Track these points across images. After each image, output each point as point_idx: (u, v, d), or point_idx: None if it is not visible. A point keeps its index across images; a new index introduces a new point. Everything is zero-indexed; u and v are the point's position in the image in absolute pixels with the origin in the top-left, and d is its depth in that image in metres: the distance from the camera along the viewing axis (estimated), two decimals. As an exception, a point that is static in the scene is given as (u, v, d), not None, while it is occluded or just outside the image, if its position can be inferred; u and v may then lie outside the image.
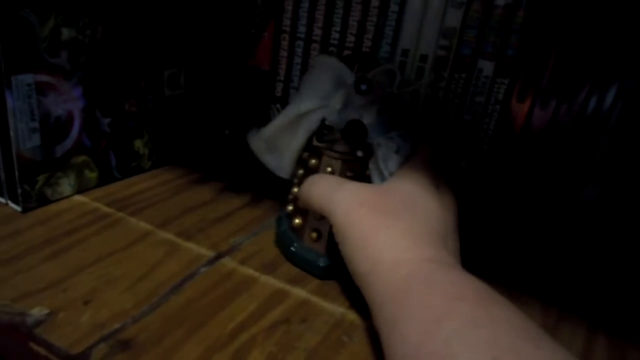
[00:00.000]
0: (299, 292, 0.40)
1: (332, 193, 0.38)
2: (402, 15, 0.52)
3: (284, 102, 0.60)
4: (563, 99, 0.47)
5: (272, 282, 0.41)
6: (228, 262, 0.43)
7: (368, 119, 0.41)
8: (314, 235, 0.42)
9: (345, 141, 0.41)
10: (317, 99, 0.42)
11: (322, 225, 0.42)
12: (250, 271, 0.42)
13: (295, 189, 0.45)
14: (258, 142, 0.47)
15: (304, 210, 0.43)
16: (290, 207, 0.45)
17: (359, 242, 0.34)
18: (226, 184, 0.56)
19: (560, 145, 0.48)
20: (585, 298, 0.45)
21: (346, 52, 0.55)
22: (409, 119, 0.46)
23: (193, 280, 0.40)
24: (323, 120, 0.42)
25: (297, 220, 0.43)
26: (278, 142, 0.46)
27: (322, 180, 0.40)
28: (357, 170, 0.42)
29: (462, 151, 0.52)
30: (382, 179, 0.40)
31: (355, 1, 0.53)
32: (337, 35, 0.55)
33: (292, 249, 0.43)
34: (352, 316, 0.39)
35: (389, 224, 0.34)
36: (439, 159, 0.43)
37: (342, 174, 0.42)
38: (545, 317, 0.42)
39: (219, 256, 0.43)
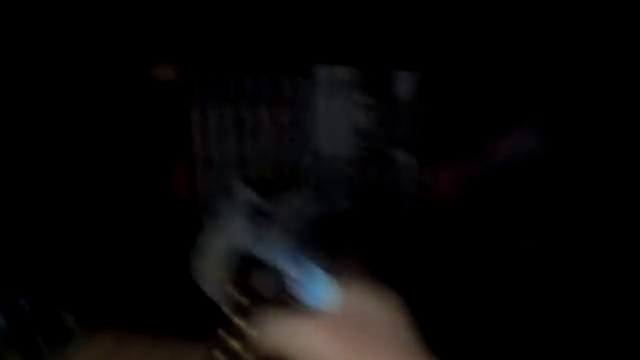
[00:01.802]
0: None
1: (294, 337, 0.36)
2: (316, 124, 0.54)
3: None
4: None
5: None
6: None
7: (279, 249, 0.41)
8: None
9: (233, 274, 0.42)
10: (228, 234, 0.41)
11: None
12: None
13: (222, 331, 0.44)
14: (196, 274, 0.46)
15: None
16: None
17: None
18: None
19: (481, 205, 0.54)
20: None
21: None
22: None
23: None
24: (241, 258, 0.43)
25: None
26: (209, 275, 0.45)
27: (281, 324, 0.37)
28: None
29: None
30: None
31: (263, 120, 0.55)
32: (254, 155, 0.56)
33: None
34: None
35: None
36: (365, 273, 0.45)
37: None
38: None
39: None
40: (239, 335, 0.44)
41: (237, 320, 0.43)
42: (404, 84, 0.51)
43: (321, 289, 0.40)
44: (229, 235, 0.43)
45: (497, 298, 0.55)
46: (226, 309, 0.45)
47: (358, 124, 0.53)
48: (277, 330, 0.39)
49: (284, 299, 0.42)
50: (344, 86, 0.52)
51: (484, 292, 0.56)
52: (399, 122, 0.52)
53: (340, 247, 0.46)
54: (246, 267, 0.41)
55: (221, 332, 0.45)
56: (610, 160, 0.50)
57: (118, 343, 0.52)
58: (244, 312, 0.43)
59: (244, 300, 0.42)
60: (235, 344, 0.43)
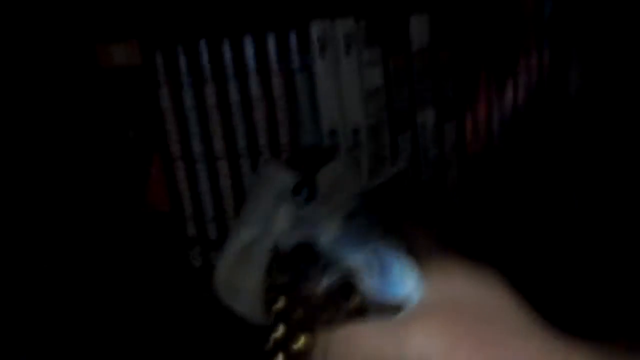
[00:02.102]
0: None
1: (396, 350, 0.26)
2: (315, 93, 0.44)
3: (204, 242, 0.48)
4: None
5: None
6: None
7: (331, 231, 0.30)
8: None
9: (291, 281, 0.30)
10: (256, 224, 0.31)
11: None
12: None
13: (280, 358, 0.32)
14: (217, 287, 0.35)
15: None
16: None
17: None
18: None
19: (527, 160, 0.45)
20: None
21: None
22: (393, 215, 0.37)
23: None
24: (277, 249, 0.31)
25: None
26: (236, 284, 0.34)
27: (362, 337, 0.28)
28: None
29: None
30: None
31: (255, 99, 0.44)
32: (244, 143, 0.46)
33: None
34: None
35: (502, 357, 0.25)
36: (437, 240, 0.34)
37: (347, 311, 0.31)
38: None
39: None
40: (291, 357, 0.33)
41: (289, 342, 0.33)
42: (415, 33, 0.43)
43: (399, 276, 0.30)
44: (263, 229, 0.31)
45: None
46: (269, 328, 0.34)
47: (367, 85, 0.43)
48: (354, 343, 0.29)
49: (351, 301, 0.32)
50: (346, 42, 0.43)
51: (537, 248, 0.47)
52: (415, 76, 0.43)
53: (401, 220, 0.36)
54: (291, 265, 0.30)
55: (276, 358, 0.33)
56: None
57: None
58: (297, 327, 0.33)
59: (295, 312, 0.32)
60: None
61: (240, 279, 0.33)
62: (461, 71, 0.43)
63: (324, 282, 0.30)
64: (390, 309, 0.29)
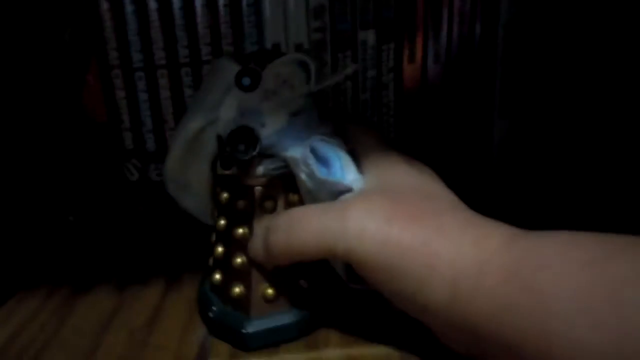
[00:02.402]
0: (329, 353, 0.31)
1: (337, 225, 0.28)
2: (260, 6, 0.44)
3: (142, 154, 0.47)
4: (446, 44, 0.47)
5: (293, 357, 0.31)
6: (218, 364, 0.30)
7: (274, 124, 0.31)
8: (270, 292, 0.31)
9: (223, 161, 0.32)
10: (205, 113, 0.32)
11: (277, 275, 0.32)
12: (253, 360, 0.30)
13: (220, 249, 0.33)
14: (166, 184, 0.35)
15: (241, 271, 0.32)
16: (217, 276, 0.33)
17: (418, 268, 0.26)
18: (117, 279, 0.41)
19: (459, 90, 0.48)
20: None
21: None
22: (335, 116, 0.38)
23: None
24: (221, 138, 0.32)
25: (237, 290, 0.32)
26: (185, 179, 0.35)
27: (308, 213, 0.30)
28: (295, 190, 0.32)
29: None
30: (322, 192, 0.31)
31: (199, 4, 0.44)
32: (186, 52, 0.45)
33: (246, 330, 0.31)
34: None
35: (435, 226, 0.27)
36: (377, 136, 0.35)
37: (286, 202, 0.32)
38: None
39: (200, 363, 0.31)
40: (238, 248, 0.32)
41: (234, 229, 0.32)
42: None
43: (337, 168, 0.29)
44: (210, 118, 0.32)
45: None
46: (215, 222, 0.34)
47: (312, 3, 0.44)
48: (299, 224, 0.29)
49: (285, 190, 0.32)
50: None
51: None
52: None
53: (345, 119, 0.37)
54: (231, 147, 0.29)
55: (217, 247, 0.33)
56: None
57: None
58: (239, 219, 0.32)
59: (237, 204, 0.31)
60: (237, 264, 0.32)
61: (188, 174, 0.34)
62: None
63: (263, 170, 0.31)
64: (331, 197, 0.31)
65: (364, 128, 0.35)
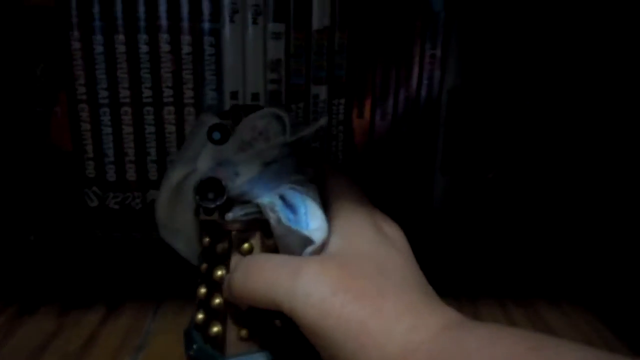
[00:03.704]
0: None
1: (287, 282, 0.29)
2: (221, 56, 0.48)
3: (102, 183, 0.50)
4: (395, 103, 0.50)
5: (201, 397, 0.33)
6: (133, 398, 0.33)
7: (248, 173, 0.34)
8: (244, 332, 0.34)
9: (203, 210, 0.34)
10: (186, 164, 0.35)
11: (250, 316, 0.34)
12: (167, 397, 0.33)
13: (202, 290, 0.36)
14: (159, 229, 0.38)
15: (219, 311, 0.34)
16: (200, 316, 0.36)
17: (350, 343, 0.27)
18: (62, 302, 0.44)
19: (404, 146, 0.51)
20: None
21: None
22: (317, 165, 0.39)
23: None
24: (195, 185, 0.34)
25: (215, 329, 0.34)
26: (175, 224, 0.37)
27: (266, 263, 0.32)
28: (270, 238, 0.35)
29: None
30: (294, 241, 0.33)
31: (163, 50, 0.47)
32: (149, 93, 0.48)
33: None
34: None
35: (376, 307, 0.28)
36: (354, 188, 0.37)
37: (262, 246, 0.35)
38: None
39: (116, 395, 0.33)
40: (217, 289, 0.35)
41: (213, 270, 0.34)
42: (320, 9, 0.47)
43: (303, 216, 0.32)
44: (191, 169, 0.35)
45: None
46: (199, 260, 0.37)
47: (270, 56, 0.47)
48: (255, 272, 0.31)
49: (262, 235, 0.34)
50: (253, 12, 0.46)
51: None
52: (316, 53, 0.48)
53: (319, 169, 0.38)
54: (200, 194, 0.33)
55: (200, 288, 0.36)
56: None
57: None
58: (220, 260, 0.34)
59: (217, 247, 0.34)
60: (215, 301, 0.34)
61: (176, 220, 0.37)
62: (355, 53, 0.48)
63: (235, 215, 0.34)
64: (297, 244, 0.33)
65: (342, 180, 0.37)
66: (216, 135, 0.32)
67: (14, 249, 0.51)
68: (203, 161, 0.35)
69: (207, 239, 0.35)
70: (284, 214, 0.32)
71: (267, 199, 0.33)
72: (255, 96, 0.48)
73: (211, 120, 0.35)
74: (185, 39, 0.47)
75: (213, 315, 0.35)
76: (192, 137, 0.36)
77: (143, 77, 0.48)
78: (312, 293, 0.28)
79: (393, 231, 0.34)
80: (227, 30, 0.47)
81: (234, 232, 0.34)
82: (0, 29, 0.46)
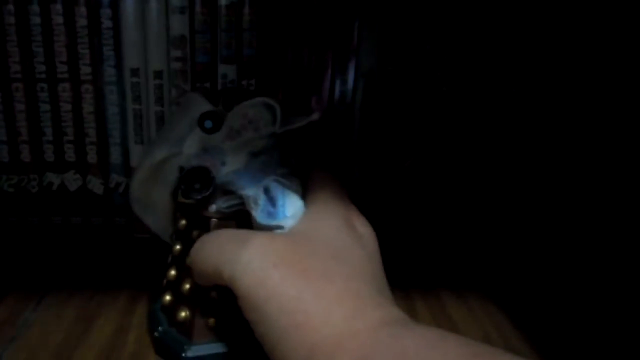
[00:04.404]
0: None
1: (233, 251, 0.28)
2: (119, 30, 0.44)
3: (-7, 163, 0.47)
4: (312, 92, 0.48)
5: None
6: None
7: (235, 163, 0.33)
8: (212, 321, 0.33)
9: (183, 195, 0.33)
10: (170, 145, 0.34)
11: (220, 304, 0.33)
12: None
13: (172, 272, 0.34)
14: (131, 202, 0.37)
15: (189, 296, 0.33)
16: (167, 297, 0.35)
17: (284, 319, 0.25)
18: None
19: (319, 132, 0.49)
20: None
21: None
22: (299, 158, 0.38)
23: None
24: (183, 170, 0.33)
25: (182, 314, 0.33)
26: (148, 200, 0.36)
27: (218, 236, 0.31)
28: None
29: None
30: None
31: (56, 23, 0.44)
32: (43, 68, 0.45)
33: (186, 354, 0.33)
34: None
35: (319, 287, 0.26)
36: (335, 182, 0.36)
37: None
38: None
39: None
40: (188, 274, 0.34)
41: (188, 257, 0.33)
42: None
43: (281, 209, 0.31)
44: (174, 150, 0.34)
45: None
46: (171, 239, 0.36)
47: (174, 31, 0.45)
48: (207, 245, 0.31)
49: (238, 219, 0.33)
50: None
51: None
52: (224, 30, 0.45)
53: (305, 162, 0.37)
54: (187, 183, 0.32)
55: (170, 270, 0.35)
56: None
57: None
58: (190, 242, 0.33)
59: (192, 232, 0.33)
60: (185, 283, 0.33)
61: (151, 196, 0.36)
62: (263, 30, 0.46)
63: (218, 206, 0.33)
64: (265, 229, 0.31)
65: (324, 174, 0.36)
66: (208, 124, 0.32)
67: None
68: (189, 145, 0.34)
69: (183, 222, 0.34)
70: (265, 208, 0.31)
71: (252, 192, 0.32)
72: (158, 74, 0.45)
73: (201, 103, 0.34)
74: (81, 10, 0.44)
75: (181, 299, 0.34)
76: (177, 116, 0.35)
77: (35, 51, 0.44)
78: (253, 261, 0.27)
79: (364, 229, 0.32)
80: (126, 2, 0.44)
81: (213, 220, 0.33)
82: None
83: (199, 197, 0.32)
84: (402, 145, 0.50)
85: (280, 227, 0.31)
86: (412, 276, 0.46)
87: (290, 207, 0.31)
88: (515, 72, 0.49)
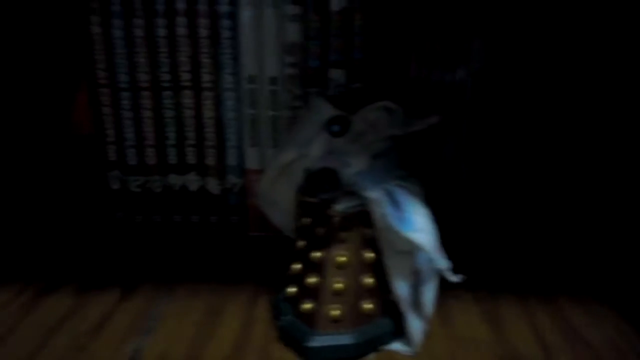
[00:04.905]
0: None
1: None
2: (237, 39, 0.47)
3: (123, 166, 0.51)
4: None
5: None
6: (138, 379, 0.34)
7: (358, 165, 0.35)
8: (336, 313, 0.35)
9: (307, 194, 0.35)
10: (297, 147, 0.36)
11: (344, 298, 0.35)
12: (172, 378, 0.34)
13: (297, 265, 0.37)
14: (259, 198, 0.40)
15: (313, 289, 0.35)
16: (292, 289, 0.37)
17: None
18: (80, 283, 0.45)
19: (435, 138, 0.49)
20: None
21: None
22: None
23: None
24: (308, 171, 0.36)
25: (307, 305, 0.35)
26: (274, 197, 0.39)
27: None
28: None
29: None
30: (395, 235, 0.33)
31: (180, 35, 0.47)
32: (168, 77, 0.48)
33: (310, 344, 0.35)
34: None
35: None
36: None
37: (361, 235, 0.35)
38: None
39: (122, 375, 0.34)
40: (313, 269, 0.36)
41: (311, 251, 0.36)
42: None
43: (408, 214, 0.32)
44: (302, 152, 0.36)
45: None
46: (295, 235, 0.38)
47: (287, 39, 0.46)
48: None
49: (362, 225, 0.34)
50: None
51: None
52: (333, 35, 0.46)
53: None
54: (316, 184, 0.34)
55: (295, 264, 0.37)
56: None
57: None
58: (316, 243, 0.35)
59: (317, 229, 0.35)
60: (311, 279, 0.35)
61: (277, 193, 0.39)
62: (371, 35, 0.46)
63: (344, 206, 0.35)
64: (398, 242, 0.33)
65: None
66: (335, 128, 0.33)
67: (38, 230, 0.52)
68: (315, 148, 0.36)
69: (307, 219, 0.36)
70: (389, 211, 0.32)
71: (375, 193, 0.33)
72: (273, 80, 0.48)
73: (324, 106, 0.36)
74: (203, 22, 0.47)
75: (306, 291, 0.36)
76: (304, 119, 0.37)
77: (161, 61, 0.48)
78: None
79: None
80: (244, 13, 0.46)
81: (335, 218, 0.35)
82: (21, 17, 0.47)
83: (327, 196, 0.33)
84: (509, 145, 0.49)
85: (413, 244, 0.31)
86: (530, 281, 0.45)
87: (418, 218, 0.32)
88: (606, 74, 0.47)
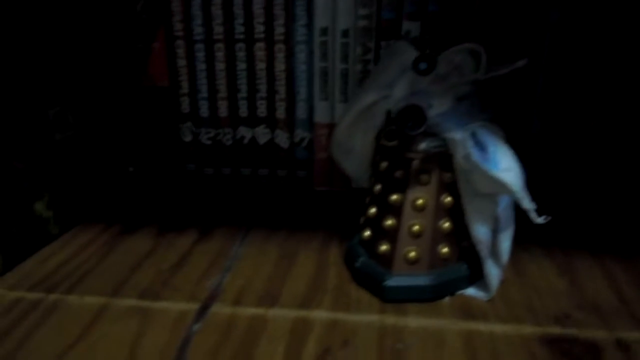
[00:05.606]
0: (320, 314, 0.34)
1: None
2: (311, -8, 0.47)
3: (196, 118, 0.52)
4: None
5: (283, 313, 0.34)
6: (221, 309, 0.35)
7: (441, 107, 0.34)
8: (413, 255, 0.35)
9: (388, 134, 0.35)
10: (380, 89, 0.36)
11: (421, 241, 0.35)
12: (252, 310, 0.35)
13: (373, 209, 0.37)
14: (333, 146, 0.40)
15: (390, 232, 0.36)
16: (367, 233, 0.38)
17: None
18: (158, 225, 0.46)
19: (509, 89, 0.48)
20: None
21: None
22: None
23: (192, 344, 0.31)
24: (390, 113, 0.36)
25: (383, 247, 0.36)
26: (350, 144, 0.39)
27: None
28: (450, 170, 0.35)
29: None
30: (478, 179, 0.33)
31: (255, -11, 0.48)
32: (242, 29, 0.49)
33: (387, 283, 0.35)
34: (390, 319, 0.33)
35: None
36: None
37: (439, 178, 0.35)
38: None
39: (205, 306, 0.35)
40: (389, 211, 0.36)
41: (389, 194, 0.36)
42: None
43: (492, 155, 0.32)
44: (383, 95, 0.36)
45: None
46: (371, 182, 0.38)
47: (361, -9, 0.46)
48: None
49: (440, 168, 0.35)
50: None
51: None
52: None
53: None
54: (400, 122, 0.33)
55: (371, 208, 0.37)
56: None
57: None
58: (397, 185, 0.36)
59: (395, 173, 0.35)
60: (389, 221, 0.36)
61: (354, 139, 0.39)
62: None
63: (425, 146, 0.35)
64: (483, 183, 0.33)
65: None
66: (422, 66, 0.33)
67: (116, 177, 0.55)
68: (399, 88, 0.35)
69: (384, 164, 0.37)
70: (474, 151, 0.32)
71: (459, 134, 0.33)
72: (345, 32, 0.47)
73: (408, 48, 0.36)
74: (276, -26, 0.47)
75: (382, 234, 0.36)
76: (386, 62, 0.37)
77: (236, 13, 0.49)
78: None
79: None
80: (318, -36, 0.46)
81: (414, 161, 0.35)
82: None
83: (413, 133, 0.33)
84: (583, 103, 0.48)
85: (501, 184, 0.31)
86: (603, 240, 0.44)
87: (503, 158, 0.32)
88: None
